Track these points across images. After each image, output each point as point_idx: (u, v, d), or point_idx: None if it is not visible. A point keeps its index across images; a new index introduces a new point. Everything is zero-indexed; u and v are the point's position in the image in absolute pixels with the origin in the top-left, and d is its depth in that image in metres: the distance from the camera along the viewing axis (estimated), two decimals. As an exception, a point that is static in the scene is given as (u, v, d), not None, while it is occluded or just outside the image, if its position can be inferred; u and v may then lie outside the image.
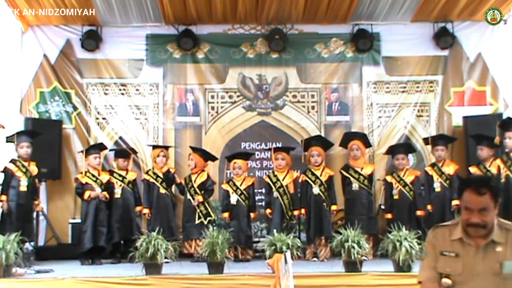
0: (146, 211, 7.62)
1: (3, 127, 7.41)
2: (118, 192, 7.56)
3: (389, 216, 7.49)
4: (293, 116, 8.96)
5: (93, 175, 7.42)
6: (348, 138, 7.88)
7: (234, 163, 7.66)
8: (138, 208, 7.63)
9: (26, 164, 7.09)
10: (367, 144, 7.95)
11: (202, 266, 5.93)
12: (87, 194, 7.28)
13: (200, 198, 7.48)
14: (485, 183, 2.47)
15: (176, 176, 7.87)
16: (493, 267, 2.45)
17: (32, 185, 7.16)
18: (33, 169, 7.19)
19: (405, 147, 7.99)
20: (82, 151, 7.86)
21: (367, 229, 6.81)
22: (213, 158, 8.06)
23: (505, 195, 6.78)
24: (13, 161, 7.06)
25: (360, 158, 7.62)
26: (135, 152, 8.22)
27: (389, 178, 7.66)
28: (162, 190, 7.66)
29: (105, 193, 7.38)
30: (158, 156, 7.79)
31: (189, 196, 7.60)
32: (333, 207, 7.47)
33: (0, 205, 6.91)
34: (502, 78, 8.79)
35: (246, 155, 7.94)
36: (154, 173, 7.73)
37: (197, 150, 7.95)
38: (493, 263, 2.45)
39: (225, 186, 7.70)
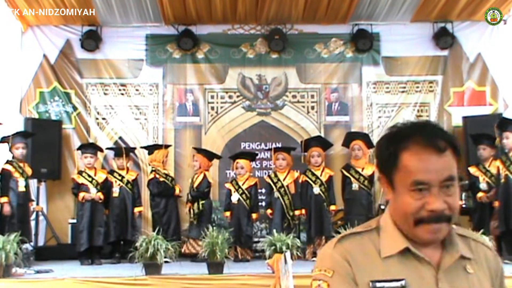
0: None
1: (1, 123, 7.39)
2: (116, 191, 7.58)
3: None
4: (292, 116, 8.96)
5: (89, 175, 7.42)
6: (350, 138, 7.89)
7: (237, 162, 7.67)
8: (137, 209, 7.63)
9: (21, 165, 7.09)
10: (369, 145, 7.95)
11: (202, 266, 5.94)
12: (81, 196, 7.30)
13: (189, 205, 7.55)
14: (442, 132, 1.34)
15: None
16: None
17: (28, 186, 7.18)
18: (28, 169, 7.20)
19: None
20: (77, 149, 7.90)
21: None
22: (217, 157, 8.08)
23: (505, 196, 6.79)
24: (9, 162, 7.05)
25: (361, 158, 7.63)
26: (132, 150, 8.21)
27: None
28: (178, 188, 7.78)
29: (99, 194, 7.36)
30: (166, 156, 7.88)
31: (189, 197, 7.63)
32: (332, 207, 7.48)
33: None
34: (502, 78, 8.79)
35: (250, 155, 7.95)
36: (165, 174, 7.74)
37: (201, 150, 7.97)
38: None
39: (228, 185, 7.72)
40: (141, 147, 8.41)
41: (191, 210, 7.51)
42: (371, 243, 1.37)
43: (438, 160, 1.29)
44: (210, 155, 7.91)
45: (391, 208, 1.39)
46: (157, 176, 7.69)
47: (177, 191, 7.76)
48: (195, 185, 7.60)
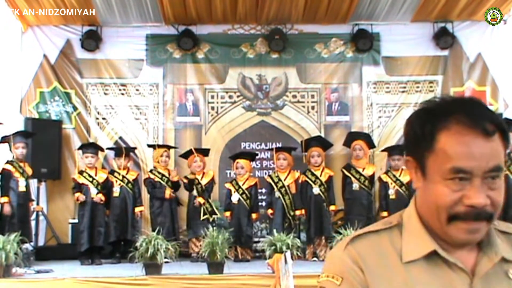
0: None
1: (1, 123, 7.40)
2: (116, 191, 7.59)
3: (385, 214, 7.51)
4: (293, 116, 8.96)
5: (90, 175, 7.43)
6: (351, 137, 7.91)
7: (237, 162, 7.68)
8: (137, 209, 7.63)
9: (22, 164, 7.10)
10: (371, 145, 7.96)
11: (202, 266, 5.94)
12: (75, 197, 7.34)
13: (201, 200, 7.50)
14: (490, 112, 1.10)
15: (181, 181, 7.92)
16: None
17: (28, 186, 7.19)
18: (28, 169, 7.21)
19: (401, 148, 8.00)
20: (78, 149, 7.90)
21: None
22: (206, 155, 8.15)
23: (505, 197, 6.77)
24: (9, 162, 7.06)
25: (362, 158, 7.64)
26: (132, 150, 8.22)
27: (384, 177, 7.69)
28: (168, 190, 7.68)
29: (100, 195, 7.37)
30: (161, 156, 7.81)
31: (195, 193, 7.61)
32: (332, 207, 7.49)
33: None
34: (502, 78, 8.80)
35: (250, 155, 7.96)
36: (159, 173, 7.74)
37: (201, 150, 8.00)
38: None
39: (228, 185, 7.73)
40: (148, 145, 8.43)
41: (204, 209, 7.51)
42: (391, 244, 1.14)
43: (484, 145, 1.05)
44: (207, 154, 7.99)
45: (419, 200, 1.15)
46: (151, 176, 7.71)
47: (167, 194, 7.62)
48: (203, 184, 7.62)
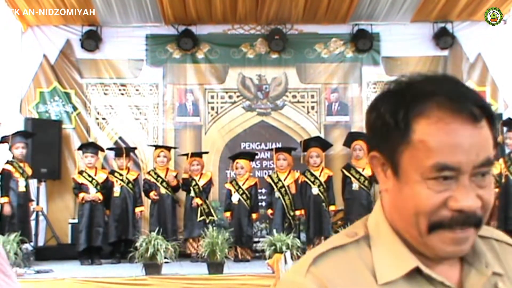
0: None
1: (0, 123, 7.41)
2: (117, 191, 7.59)
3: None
4: (293, 116, 8.96)
5: (89, 175, 7.43)
6: (351, 138, 7.89)
7: (237, 163, 7.68)
8: (138, 209, 7.63)
9: (22, 165, 7.10)
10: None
11: (202, 266, 5.95)
12: (80, 197, 7.34)
13: (199, 201, 7.51)
14: (474, 94, 0.88)
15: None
16: None
17: (28, 186, 7.19)
18: (28, 169, 7.22)
19: None
20: (77, 149, 7.91)
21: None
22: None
23: (505, 196, 6.79)
24: (9, 162, 7.06)
25: (362, 158, 7.62)
26: (132, 150, 8.23)
27: None
28: (163, 190, 7.66)
29: (98, 194, 7.37)
30: (158, 156, 7.81)
31: (192, 194, 7.60)
32: (332, 208, 7.49)
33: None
34: (502, 78, 8.80)
35: (250, 155, 7.96)
36: (155, 173, 7.74)
37: (199, 154, 8.03)
38: None
39: (228, 185, 7.73)
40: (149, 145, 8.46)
41: (201, 210, 7.51)
42: (361, 260, 0.90)
43: (472, 134, 0.84)
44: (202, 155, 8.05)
45: (389, 205, 0.93)
46: (148, 177, 7.74)
47: (150, 196, 7.62)
48: (201, 185, 7.63)
